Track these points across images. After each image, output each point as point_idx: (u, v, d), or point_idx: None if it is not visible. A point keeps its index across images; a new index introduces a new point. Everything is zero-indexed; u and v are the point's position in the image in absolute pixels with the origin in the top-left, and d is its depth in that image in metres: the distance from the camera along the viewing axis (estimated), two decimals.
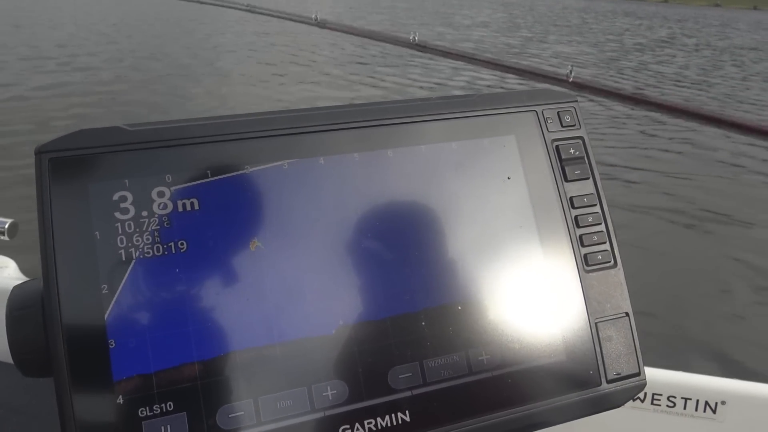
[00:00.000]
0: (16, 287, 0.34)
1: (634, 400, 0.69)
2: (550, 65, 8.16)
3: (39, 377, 0.33)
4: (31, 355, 0.33)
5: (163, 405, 0.31)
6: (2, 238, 0.78)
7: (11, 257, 0.91)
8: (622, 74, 8.21)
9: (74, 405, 0.30)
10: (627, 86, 7.12)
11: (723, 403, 0.66)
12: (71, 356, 0.31)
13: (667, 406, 0.67)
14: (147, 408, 0.31)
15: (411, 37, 2.07)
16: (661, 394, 0.67)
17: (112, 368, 0.31)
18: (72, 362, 0.30)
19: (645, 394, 0.68)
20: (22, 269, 0.88)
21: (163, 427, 0.31)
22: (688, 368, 0.69)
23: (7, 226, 0.77)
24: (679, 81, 8.07)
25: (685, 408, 0.67)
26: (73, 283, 0.31)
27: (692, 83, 8.13)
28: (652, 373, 0.68)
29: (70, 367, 0.30)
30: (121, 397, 0.31)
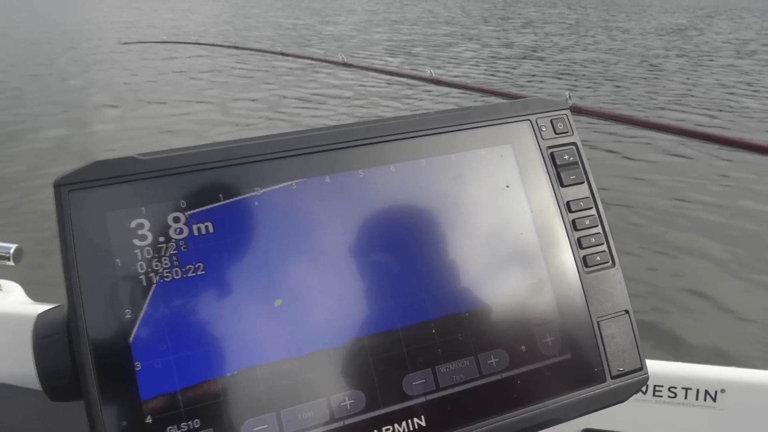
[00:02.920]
0: (40, 315, 0.36)
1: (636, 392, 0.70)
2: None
3: (67, 401, 0.35)
4: (59, 380, 0.34)
5: (189, 422, 0.33)
6: (7, 263, 0.78)
7: (10, 279, 0.92)
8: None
9: (105, 427, 0.31)
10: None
11: (722, 391, 0.68)
12: (100, 380, 0.32)
13: (669, 396, 0.69)
14: (175, 426, 0.32)
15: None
16: (662, 386, 0.69)
17: (139, 389, 0.32)
18: (101, 386, 0.32)
19: (647, 386, 0.69)
20: (28, 293, 0.89)
21: None
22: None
23: (12, 251, 0.77)
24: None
25: (686, 398, 0.68)
26: (98, 310, 0.32)
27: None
28: (653, 366, 0.69)
29: (100, 390, 0.32)
30: (149, 416, 0.32)
